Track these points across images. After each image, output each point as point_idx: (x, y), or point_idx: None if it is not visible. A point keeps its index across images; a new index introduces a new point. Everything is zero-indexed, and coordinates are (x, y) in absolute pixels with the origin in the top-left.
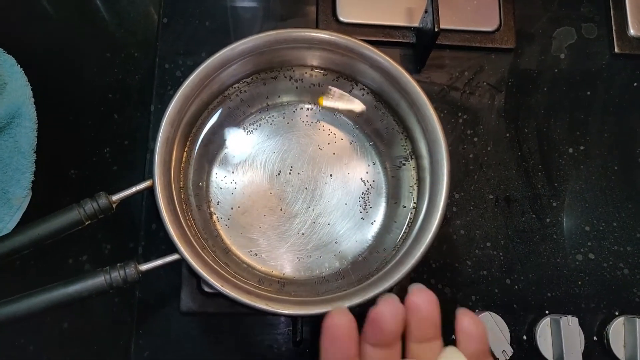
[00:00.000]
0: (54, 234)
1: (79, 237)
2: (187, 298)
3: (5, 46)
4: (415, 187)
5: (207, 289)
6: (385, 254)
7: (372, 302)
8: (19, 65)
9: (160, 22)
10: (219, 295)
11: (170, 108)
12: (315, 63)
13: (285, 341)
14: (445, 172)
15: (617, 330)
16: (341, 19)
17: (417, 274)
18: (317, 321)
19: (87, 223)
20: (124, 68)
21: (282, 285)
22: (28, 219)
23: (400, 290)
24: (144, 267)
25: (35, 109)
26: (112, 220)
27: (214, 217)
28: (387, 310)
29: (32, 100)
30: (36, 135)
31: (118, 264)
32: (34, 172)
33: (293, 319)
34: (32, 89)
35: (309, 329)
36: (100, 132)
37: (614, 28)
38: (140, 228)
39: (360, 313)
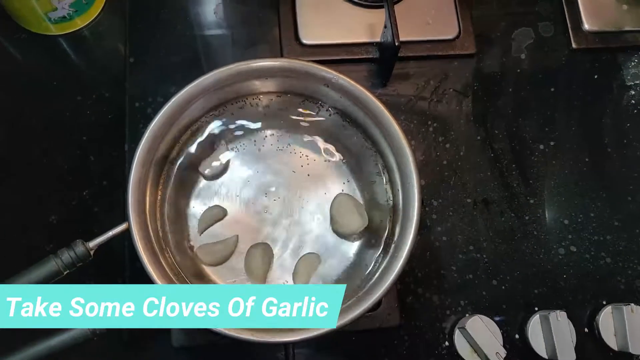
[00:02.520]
0: None
1: (65, 278)
2: (178, 332)
3: None
4: (390, 201)
5: None
6: (367, 270)
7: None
8: None
9: (127, 61)
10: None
11: (139, 149)
12: (279, 89)
13: None
14: (414, 184)
15: (607, 320)
16: (304, 41)
17: (403, 285)
18: (309, 342)
19: (65, 273)
20: (96, 109)
21: None
22: (12, 269)
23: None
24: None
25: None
26: (97, 259)
27: (194, 250)
28: None
29: None
30: None
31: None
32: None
33: (284, 344)
34: (7, 137)
35: (301, 351)
36: (77, 176)
37: (569, 25)
38: (124, 267)
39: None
